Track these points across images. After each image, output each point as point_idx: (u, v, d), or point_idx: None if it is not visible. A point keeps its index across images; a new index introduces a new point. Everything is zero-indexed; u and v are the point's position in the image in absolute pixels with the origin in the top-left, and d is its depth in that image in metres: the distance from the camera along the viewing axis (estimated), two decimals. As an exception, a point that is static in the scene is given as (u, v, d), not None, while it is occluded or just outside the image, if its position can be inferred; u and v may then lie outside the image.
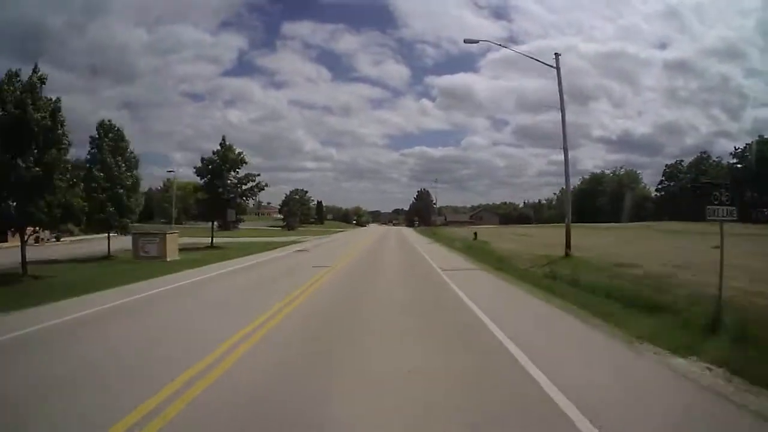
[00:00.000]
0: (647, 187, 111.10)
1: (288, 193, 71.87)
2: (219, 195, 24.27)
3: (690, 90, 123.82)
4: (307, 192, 78.52)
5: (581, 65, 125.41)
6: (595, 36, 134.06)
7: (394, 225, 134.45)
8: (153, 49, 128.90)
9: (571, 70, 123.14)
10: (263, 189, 25.69)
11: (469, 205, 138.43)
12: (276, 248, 26.81)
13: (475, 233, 29.88)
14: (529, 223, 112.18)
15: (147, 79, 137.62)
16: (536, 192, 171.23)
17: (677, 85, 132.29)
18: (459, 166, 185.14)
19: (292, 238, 37.16)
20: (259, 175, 25.51)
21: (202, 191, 25.22)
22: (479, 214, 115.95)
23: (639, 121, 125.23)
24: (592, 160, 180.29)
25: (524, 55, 23.52)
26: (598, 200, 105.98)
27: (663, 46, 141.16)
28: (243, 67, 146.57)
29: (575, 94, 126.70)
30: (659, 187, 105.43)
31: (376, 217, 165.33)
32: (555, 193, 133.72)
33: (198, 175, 25.10)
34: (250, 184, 25.16)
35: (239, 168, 25.08)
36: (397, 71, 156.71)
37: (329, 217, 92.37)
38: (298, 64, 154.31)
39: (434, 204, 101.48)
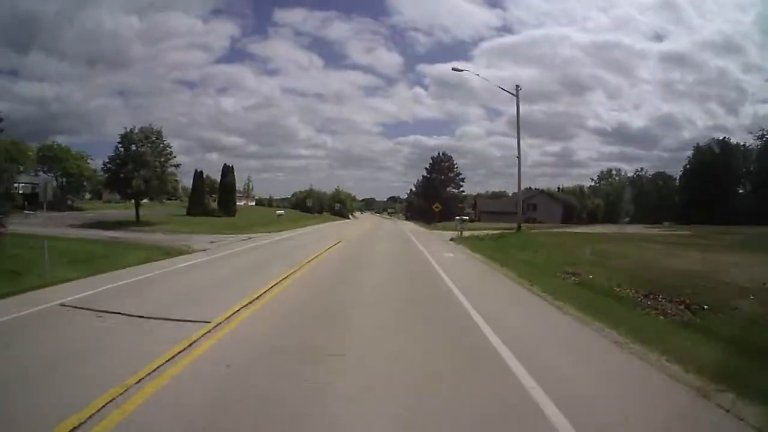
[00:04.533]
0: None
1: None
2: None
3: (687, 83, 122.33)
4: (159, 133, 31.56)
5: (576, 55, 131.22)
6: (589, 26, 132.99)
7: (389, 215, 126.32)
8: (145, 36, 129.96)
9: (565, 60, 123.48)
10: None
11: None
12: None
13: None
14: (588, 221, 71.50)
15: (140, 67, 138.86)
16: (531, 181, 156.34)
17: (674, 77, 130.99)
18: (454, 155, 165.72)
19: None
20: None
21: None
22: (531, 201, 72.00)
23: (635, 114, 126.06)
24: (587, 151, 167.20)
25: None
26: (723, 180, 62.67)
27: (659, 38, 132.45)
28: (235, 55, 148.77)
29: (570, 84, 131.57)
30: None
31: (370, 205, 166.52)
32: (592, 179, 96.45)
33: None
34: None
35: None
36: (389, 59, 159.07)
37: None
38: (290, 52, 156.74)
39: (460, 177, 57.72)
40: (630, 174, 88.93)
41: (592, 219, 72.89)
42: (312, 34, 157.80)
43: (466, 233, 24.19)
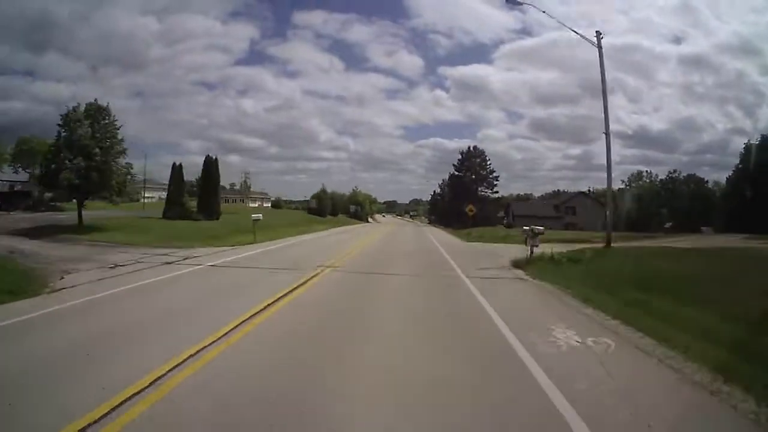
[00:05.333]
0: None
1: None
2: None
3: (706, 86, 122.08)
4: (106, 110, 23.03)
5: (596, 58, 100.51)
6: (608, 29, 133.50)
7: (411, 218, 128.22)
8: (164, 38, 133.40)
9: (585, 62, 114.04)
10: None
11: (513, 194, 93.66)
12: None
13: None
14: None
15: (158, 68, 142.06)
16: (552, 185, 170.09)
17: (693, 80, 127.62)
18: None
19: None
20: None
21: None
22: (569, 204, 62.76)
23: (655, 117, 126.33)
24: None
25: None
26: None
27: (677, 40, 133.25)
28: (255, 57, 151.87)
29: (590, 88, 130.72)
30: None
31: (392, 207, 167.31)
32: (622, 180, 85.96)
33: None
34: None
35: None
36: (410, 62, 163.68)
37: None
38: (311, 54, 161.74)
39: (494, 176, 49.44)
40: (662, 176, 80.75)
41: (628, 224, 62.83)
42: (332, 37, 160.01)
43: (520, 248, 15.36)
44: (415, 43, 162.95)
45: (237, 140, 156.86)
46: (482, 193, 56.95)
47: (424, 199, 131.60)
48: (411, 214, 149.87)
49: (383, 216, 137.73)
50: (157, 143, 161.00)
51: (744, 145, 60.48)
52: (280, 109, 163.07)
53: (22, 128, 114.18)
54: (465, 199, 52.67)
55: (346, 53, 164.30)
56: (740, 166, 60.15)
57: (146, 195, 60.64)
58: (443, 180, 78.26)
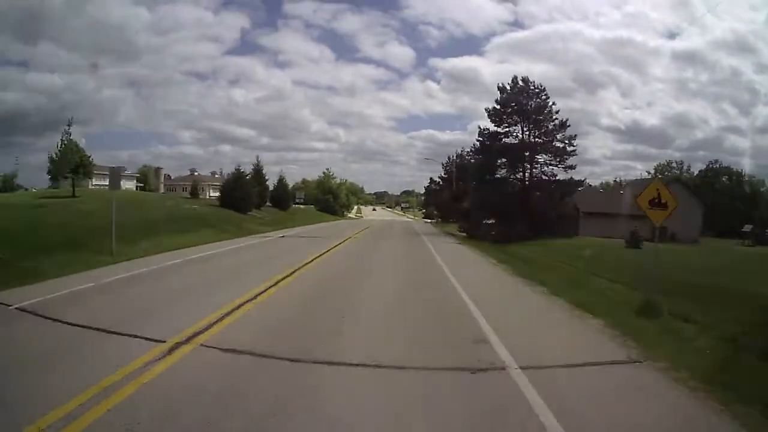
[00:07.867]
0: None
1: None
2: None
3: (700, 82, 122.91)
4: None
5: (588, 51, 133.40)
6: (600, 22, 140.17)
7: (403, 211, 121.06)
8: (155, 28, 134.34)
9: (578, 56, 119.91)
10: None
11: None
12: None
13: None
14: None
15: (150, 58, 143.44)
16: None
17: (687, 76, 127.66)
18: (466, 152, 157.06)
19: None
20: None
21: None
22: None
23: (648, 112, 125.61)
24: (599, 149, 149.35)
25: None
26: None
27: (672, 35, 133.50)
28: (246, 47, 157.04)
29: (583, 81, 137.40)
30: None
31: (382, 199, 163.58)
32: (649, 172, 71.38)
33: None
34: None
35: None
36: (400, 53, 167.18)
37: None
38: (301, 44, 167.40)
39: (567, 137, 25.61)
40: (701, 168, 67.87)
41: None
42: (322, 27, 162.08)
43: None
44: (406, 34, 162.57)
45: (228, 130, 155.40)
46: (547, 167, 28.63)
47: (416, 191, 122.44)
48: (402, 206, 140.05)
49: (373, 209, 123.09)
50: (151, 133, 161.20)
51: None
52: (270, 99, 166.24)
53: (16, 119, 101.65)
54: (508, 177, 28.84)
55: (336, 43, 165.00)
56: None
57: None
58: (449, 157, 54.25)
